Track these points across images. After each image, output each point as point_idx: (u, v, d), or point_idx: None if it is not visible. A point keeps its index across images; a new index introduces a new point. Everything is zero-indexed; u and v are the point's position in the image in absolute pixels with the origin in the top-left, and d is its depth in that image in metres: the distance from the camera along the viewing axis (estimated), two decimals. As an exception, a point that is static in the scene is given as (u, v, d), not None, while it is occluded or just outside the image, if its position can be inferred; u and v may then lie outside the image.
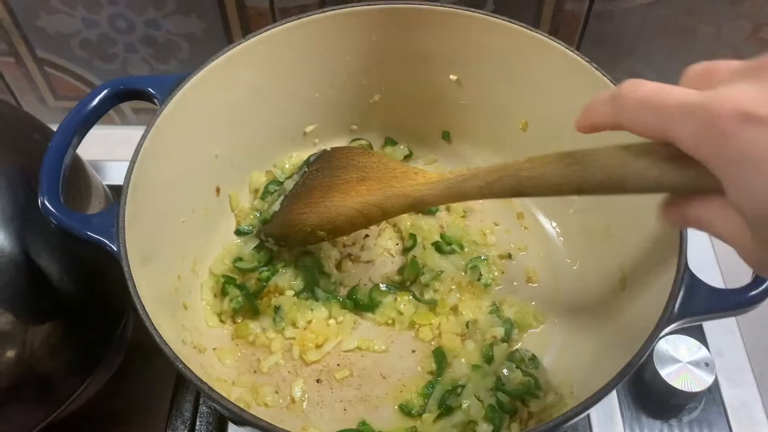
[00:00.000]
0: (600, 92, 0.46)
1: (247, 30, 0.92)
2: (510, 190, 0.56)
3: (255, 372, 0.74)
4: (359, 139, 0.90)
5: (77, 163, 0.77)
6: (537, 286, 0.81)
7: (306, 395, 0.73)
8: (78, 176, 0.76)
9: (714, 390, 0.81)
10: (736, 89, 0.36)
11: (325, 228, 0.72)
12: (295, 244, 0.78)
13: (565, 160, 0.50)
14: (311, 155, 0.80)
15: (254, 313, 0.77)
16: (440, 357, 0.74)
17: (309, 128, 0.87)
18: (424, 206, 0.67)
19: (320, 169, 0.76)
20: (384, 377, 0.74)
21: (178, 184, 0.72)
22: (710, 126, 0.36)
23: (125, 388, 0.82)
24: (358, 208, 0.69)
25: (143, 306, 0.55)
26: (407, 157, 0.90)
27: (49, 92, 1.04)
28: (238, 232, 0.83)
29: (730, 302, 0.56)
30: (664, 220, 0.46)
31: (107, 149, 0.93)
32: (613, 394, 0.79)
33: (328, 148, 0.80)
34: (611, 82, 0.69)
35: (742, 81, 0.37)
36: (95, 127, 0.68)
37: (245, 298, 0.76)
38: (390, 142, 0.91)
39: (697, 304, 0.56)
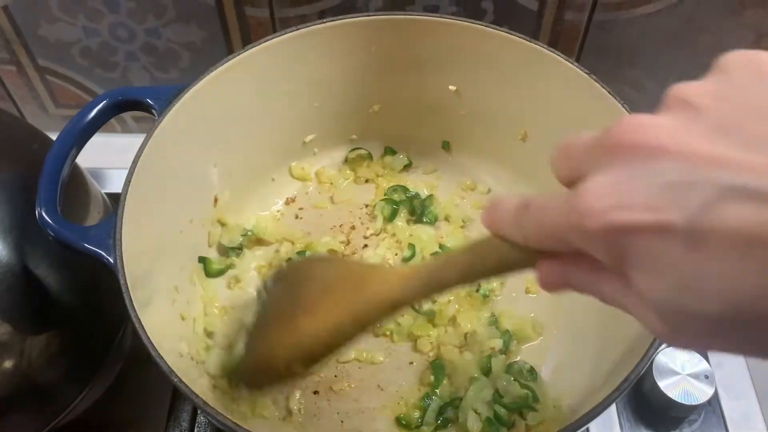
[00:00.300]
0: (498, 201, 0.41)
1: (248, 39, 0.92)
2: (497, 267, 0.45)
3: (253, 383, 0.74)
4: (359, 148, 0.90)
5: (76, 172, 0.77)
6: (536, 297, 0.80)
7: (303, 407, 0.73)
8: (77, 185, 0.76)
9: (714, 402, 0.80)
10: (594, 188, 0.32)
11: (300, 360, 0.60)
12: (269, 385, 0.67)
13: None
14: (266, 279, 0.71)
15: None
16: (438, 369, 0.73)
17: (308, 138, 0.87)
18: (400, 307, 0.55)
19: (278, 292, 0.65)
20: (381, 389, 0.74)
21: (176, 195, 0.72)
22: (594, 245, 0.32)
23: (123, 397, 0.82)
24: (329, 327, 0.58)
25: (139, 319, 0.55)
26: (407, 167, 0.90)
27: (50, 100, 1.04)
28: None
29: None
30: (539, 282, 0.40)
31: (108, 157, 0.93)
32: (612, 406, 0.79)
33: (283, 264, 0.73)
34: (610, 93, 0.69)
35: (600, 168, 0.32)
36: (96, 134, 0.68)
37: None
38: (389, 151, 0.90)
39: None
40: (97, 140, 0.68)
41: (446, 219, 0.86)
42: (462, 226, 0.85)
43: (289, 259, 0.80)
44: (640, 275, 0.31)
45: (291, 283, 0.64)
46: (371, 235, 0.85)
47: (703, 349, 0.35)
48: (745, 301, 0.28)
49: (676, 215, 0.29)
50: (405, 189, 0.88)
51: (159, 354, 0.53)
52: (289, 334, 0.60)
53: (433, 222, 0.85)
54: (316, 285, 0.60)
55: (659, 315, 0.32)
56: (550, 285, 0.40)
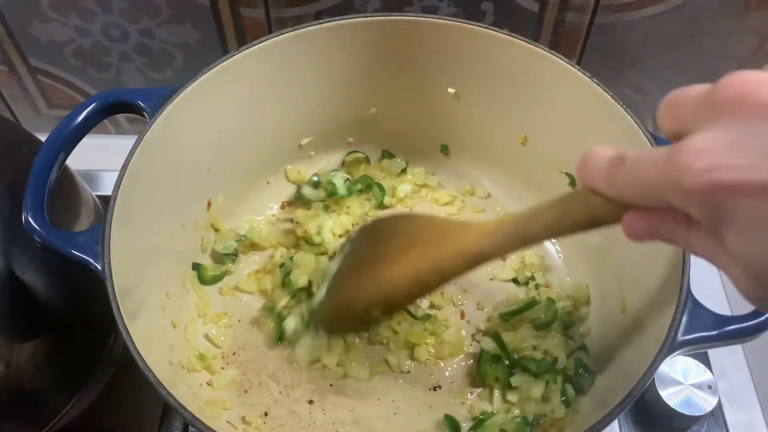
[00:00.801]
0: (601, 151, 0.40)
1: (243, 39, 0.90)
2: (586, 222, 0.45)
3: (246, 392, 0.72)
4: (356, 152, 0.88)
5: (66, 175, 0.75)
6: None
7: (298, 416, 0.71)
8: (67, 188, 0.75)
9: (717, 413, 0.79)
10: (699, 144, 0.31)
11: (379, 305, 0.63)
12: (347, 330, 0.72)
13: None
14: (353, 231, 0.74)
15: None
16: (452, 426, 0.71)
17: (304, 141, 0.85)
18: (483, 260, 0.55)
19: (362, 245, 0.68)
20: (378, 399, 0.72)
21: (168, 200, 0.71)
22: (691, 202, 0.32)
23: (114, 405, 0.80)
24: (411, 276, 0.60)
25: (127, 328, 0.54)
26: (404, 171, 0.88)
27: (42, 101, 1.02)
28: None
29: (734, 330, 0.54)
30: (625, 231, 0.40)
31: (101, 159, 0.91)
32: (614, 417, 0.78)
33: (368, 221, 0.75)
34: (612, 97, 0.68)
35: (707, 124, 0.32)
36: (88, 136, 0.66)
37: None
38: (387, 155, 0.89)
39: (699, 332, 0.54)
40: (90, 142, 0.66)
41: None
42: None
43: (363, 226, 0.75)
44: (737, 236, 0.31)
45: (376, 237, 0.67)
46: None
47: None
48: None
49: None
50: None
51: (147, 365, 0.52)
52: (371, 281, 0.63)
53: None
54: (401, 238, 0.63)
55: (752, 276, 0.32)
56: (637, 236, 0.39)
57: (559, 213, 0.47)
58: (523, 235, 0.50)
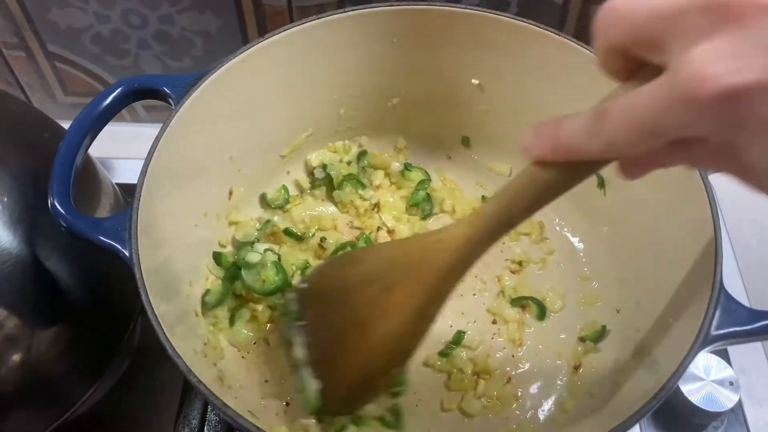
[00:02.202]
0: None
1: (264, 28, 0.89)
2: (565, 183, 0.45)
3: (266, 382, 0.72)
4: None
5: (87, 162, 0.74)
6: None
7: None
8: (88, 175, 0.74)
9: (737, 410, 0.78)
10: (705, 55, 0.30)
11: (396, 362, 0.58)
12: (369, 401, 0.65)
13: None
14: (288, 300, 0.66)
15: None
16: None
17: (326, 130, 0.85)
18: (476, 259, 0.53)
19: (324, 310, 0.61)
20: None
21: (192, 187, 0.70)
22: (707, 116, 0.31)
23: (132, 393, 0.80)
24: (413, 319, 0.55)
25: (156, 315, 0.53)
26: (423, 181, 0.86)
27: (59, 88, 1.02)
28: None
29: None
30: (621, 173, 0.42)
31: (117, 147, 0.91)
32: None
33: (300, 285, 0.66)
34: (640, 88, 0.67)
35: (702, 37, 0.31)
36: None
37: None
38: (407, 167, 0.87)
39: (733, 327, 0.53)
40: (107, 129, 0.66)
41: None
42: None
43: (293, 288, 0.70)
44: (755, 140, 0.31)
45: (330, 299, 0.60)
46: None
47: None
48: None
49: None
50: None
51: (176, 352, 0.51)
52: (374, 346, 0.56)
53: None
54: (368, 290, 0.56)
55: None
56: (634, 175, 0.40)
57: (540, 187, 0.45)
58: (508, 219, 0.49)
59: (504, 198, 0.49)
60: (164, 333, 0.52)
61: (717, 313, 0.54)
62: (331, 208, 0.84)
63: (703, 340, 0.53)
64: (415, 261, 0.54)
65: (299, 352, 0.62)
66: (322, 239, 0.80)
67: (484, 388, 0.72)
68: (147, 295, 0.55)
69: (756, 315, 0.54)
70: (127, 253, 0.56)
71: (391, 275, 0.56)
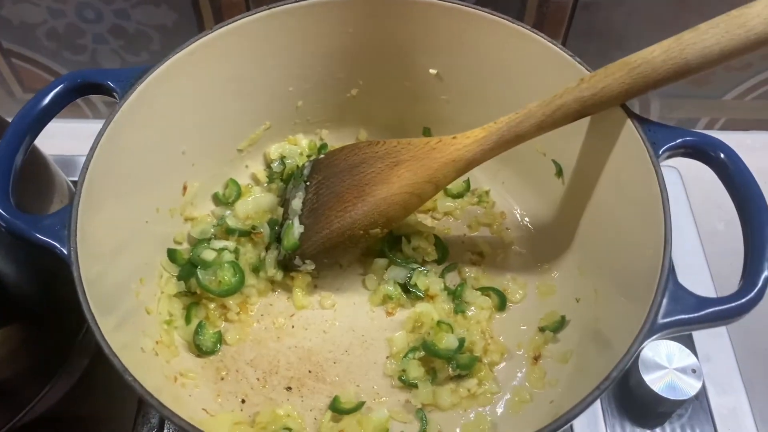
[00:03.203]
0: None
1: (221, 20, 0.87)
2: (573, 113, 0.61)
3: (222, 380, 0.71)
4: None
5: (39, 160, 0.73)
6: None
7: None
8: (39, 173, 0.73)
9: (701, 397, 0.78)
10: None
11: (378, 223, 0.70)
12: (345, 252, 0.76)
13: (624, 68, 0.59)
14: (303, 167, 0.77)
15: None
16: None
17: (283, 122, 0.83)
18: (475, 165, 0.66)
19: (332, 175, 0.73)
20: (357, 385, 0.71)
21: (141, 183, 0.69)
22: None
23: (91, 394, 0.78)
24: (408, 190, 0.68)
25: (92, 313, 0.53)
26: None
27: (17, 84, 1.00)
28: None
29: (716, 312, 0.52)
30: None
31: (78, 144, 0.88)
32: (597, 402, 0.76)
33: (320, 156, 0.78)
34: (596, 76, 0.66)
35: None
36: (65, 120, 0.65)
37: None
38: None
39: (680, 314, 0.53)
40: (66, 126, 0.65)
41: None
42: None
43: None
44: None
45: (344, 167, 0.72)
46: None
47: None
48: None
49: None
50: None
51: (112, 351, 0.51)
52: (364, 203, 0.69)
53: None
54: (380, 162, 0.69)
55: None
56: None
57: (551, 110, 0.61)
58: (516, 134, 0.63)
59: (519, 114, 0.63)
60: (99, 330, 0.51)
61: (665, 301, 0.53)
62: (275, 199, 0.82)
63: (650, 328, 0.52)
64: (428, 148, 0.67)
65: (296, 204, 0.75)
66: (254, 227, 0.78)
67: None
68: (84, 292, 0.54)
69: (704, 302, 0.53)
70: (65, 251, 0.55)
71: (402, 154, 0.69)
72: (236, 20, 0.71)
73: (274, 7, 0.72)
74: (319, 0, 0.73)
